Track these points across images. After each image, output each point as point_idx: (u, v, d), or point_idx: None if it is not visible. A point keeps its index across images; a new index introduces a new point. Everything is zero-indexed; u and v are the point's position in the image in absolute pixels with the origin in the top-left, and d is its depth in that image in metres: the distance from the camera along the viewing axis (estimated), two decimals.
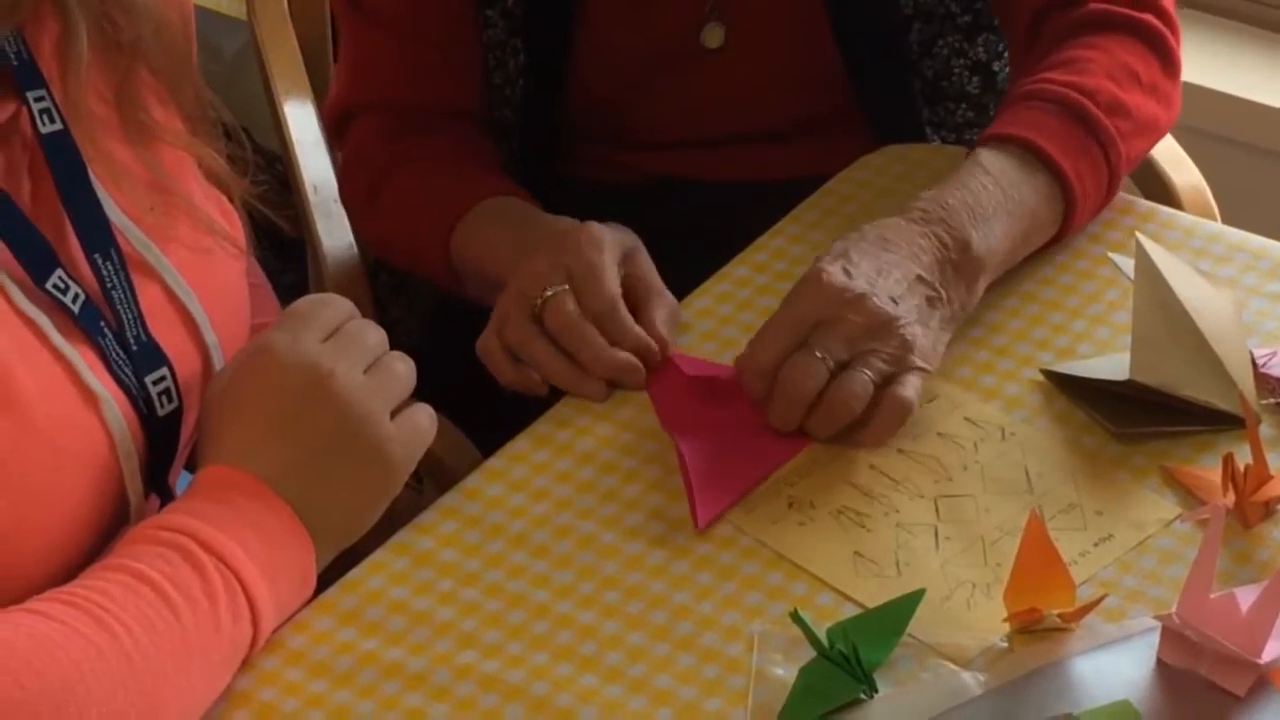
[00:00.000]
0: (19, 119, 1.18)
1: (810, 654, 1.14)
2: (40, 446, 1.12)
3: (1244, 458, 1.25)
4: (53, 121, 1.18)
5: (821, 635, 1.15)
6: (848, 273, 1.33)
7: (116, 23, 1.19)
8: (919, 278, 1.35)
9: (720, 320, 1.43)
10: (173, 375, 1.22)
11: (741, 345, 1.37)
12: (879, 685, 1.14)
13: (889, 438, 1.31)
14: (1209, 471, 1.28)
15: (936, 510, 1.27)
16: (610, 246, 1.43)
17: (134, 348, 1.20)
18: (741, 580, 1.22)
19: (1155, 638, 1.16)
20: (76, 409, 1.15)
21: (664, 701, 1.15)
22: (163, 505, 1.23)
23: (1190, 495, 1.27)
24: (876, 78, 1.68)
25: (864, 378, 1.30)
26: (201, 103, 1.27)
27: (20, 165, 1.18)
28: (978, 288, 1.40)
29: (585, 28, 1.65)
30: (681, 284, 1.47)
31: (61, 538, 1.15)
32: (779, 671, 1.16)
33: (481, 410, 1.45)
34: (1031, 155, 1.44)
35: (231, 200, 1.31)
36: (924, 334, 1.33)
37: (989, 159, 1.44)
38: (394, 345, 1.37)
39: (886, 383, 1.31)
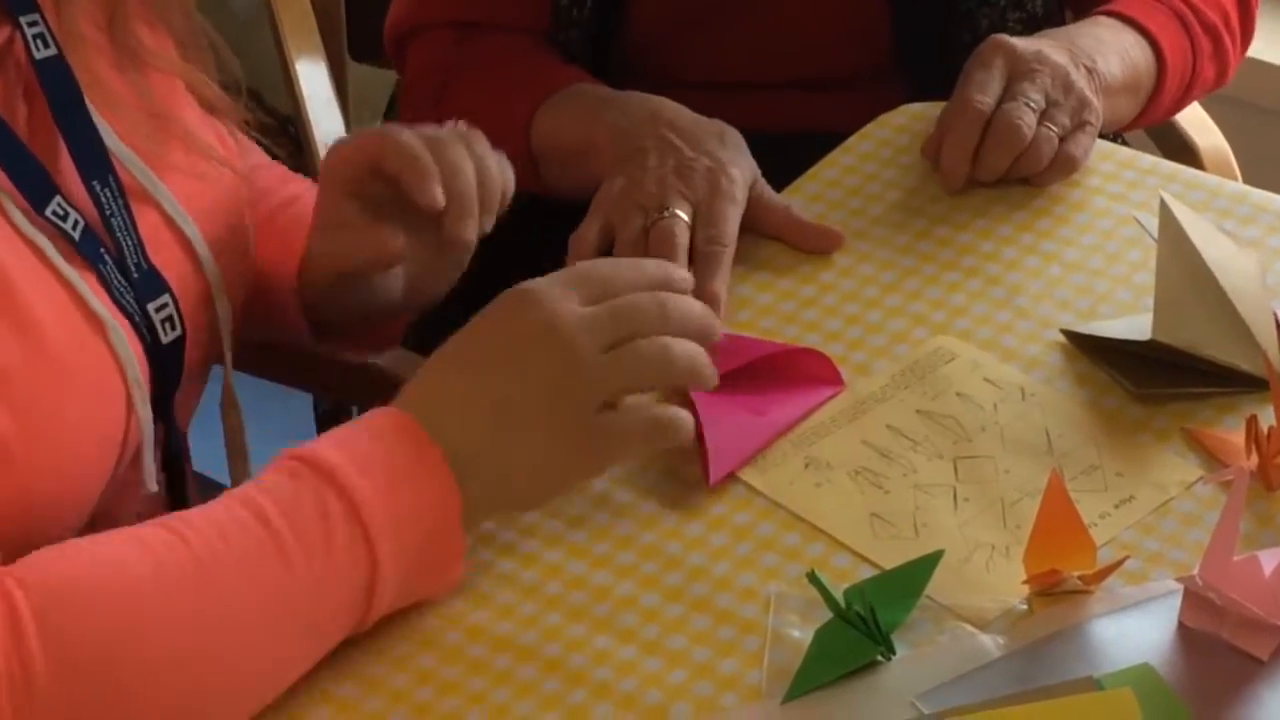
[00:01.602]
0: (13, 44, 1.16)
1: (827, 616, 1.13)
2: (50, 366, 1.11)
3: (1268, 420, 1.23)
4: (47, 47, 1.17)
5: (838, 597, 1.13)
6: (1022, 39, 1.46)
7: None
8: (1070, 62, 1.47)
9: (736, 279, 1.42)
10: (175, 302, 1.21)
11: (758, 300, 1.36)
12: (896, 647, 1.13)
13: (1048, 185, 1.44)
14: (1232, 434, 1.26)
15: (955, 471, 1.25)
16: (741, 184, 1.43)
17: (135, 275, 1.19)
18: (757, 541, 1.21)
19: (1177, 601, 1.15)
20: (84, 332, 1.14)
21: (678, 663, 1.13)
22: (167, 434, 1.21)
23: (1213, 458, 1.26)
24: (926, 27, 1.68)
25: (1050, 130, 1.42)
26: (193, 28, 1.25)
27: (15, 91, 1.17)
28: (1100, 99, 1.48)
29: None
30: None
31: (73, 458, 1.13)
32: (795, 633, 1.14)
33: None
34: (1139, 29, 1.55)
35: (233, 133, 1.30)
36: (1093, 94, 1.46)
37: (1102, 19, 1.56)
38: None
39: (1065, 137, 1.43)
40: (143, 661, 1.03)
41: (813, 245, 1.43)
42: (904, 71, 1.69)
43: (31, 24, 1.16)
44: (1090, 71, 1.49)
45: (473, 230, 1.26)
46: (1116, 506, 1.22)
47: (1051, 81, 1.44)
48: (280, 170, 1.44)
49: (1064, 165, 1.44)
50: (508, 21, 1.67)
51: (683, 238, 1.38)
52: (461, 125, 1.31)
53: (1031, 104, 1.42)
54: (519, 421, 1.14)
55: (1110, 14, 1.58)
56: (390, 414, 1.14)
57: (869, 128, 1.56)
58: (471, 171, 1.27)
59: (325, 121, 1.86)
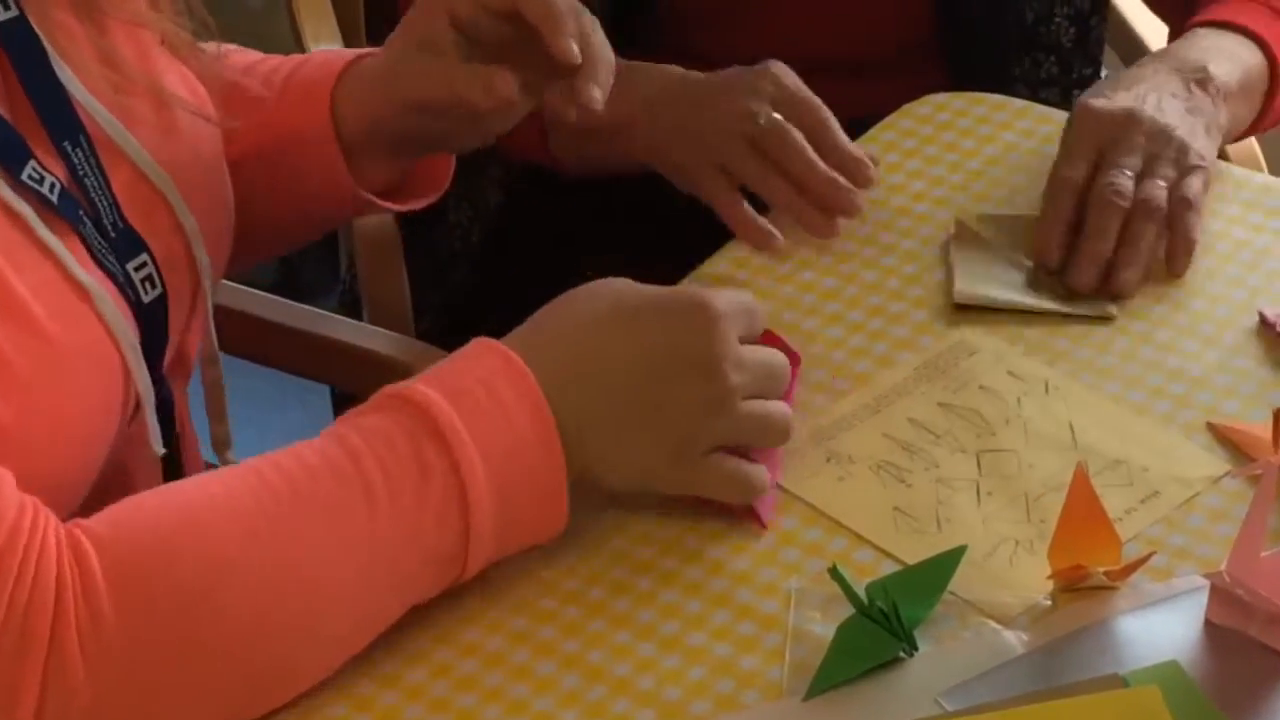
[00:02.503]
0: None
1: (848, 611, 1.12)
2: (41, 345, 1.10)
3: None
4: (7, 9, 1.15)
5: (860, 592, 1.12)
6: (1109, 97, 1.42)
7: None
8: (1172, 94, 1.43)
9: (755, 270, 1.40)
10: (153, 260, 1.19)
11: (780, 291, 1.35)
12: (919, 643, 1.11)
13: (1194, 238, 1.37)
14: (1258, 427, 1.24)
15: (978, 465, 1.24)
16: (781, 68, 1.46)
17: (112, 234, 1.17)
18: (779, 536, 1.19)
19: (1203, 597, 1.13)
20: (71, 303, 1.13)
21: (698, 659, 1.12)
22: (158, 396, 1.20)
23: (1239, 452, 1.24)
24: (969, 15, 1.66)
25: (1159, 185, 1.38)
26: None
27: None
28: (1222, 107, 1.45)
29: None
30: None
31: (73, 433, 1.12)
32: (817, 629, 1.13)
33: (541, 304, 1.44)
34: (1240, 32, 1.52)
35: (199, 74, 1.28)
36: (1193, 136, 1.41)
37: (1200, 31, 1.52)
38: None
39: (1173, 186, 1.38)
40: (219, 615, 1.03)
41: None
42: (943, 57, 1.68)
43: None
44: (1203, 83, 1.46)
45: (601, 99, 1.25)
46: (1142, 501, 1.21)
47: (1147, 139, 1.40)
48: (283, 58, 1.42)
49: (1185, 206, 1.38)
50: None
51: (794, 135, 1.41)
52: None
53: (1127, 170, 1.38)
54: (642, 423, 1.14)
55: (1205, 24, 1.54)
56: (512, 369, 1.12)
57: (892, 117, 1.55)
58: (602, 40, 1.27)
59: None
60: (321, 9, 1.96)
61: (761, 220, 1.40)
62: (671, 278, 1.34)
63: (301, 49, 1.95)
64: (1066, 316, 1.35)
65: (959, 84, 1.61)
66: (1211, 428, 1.26)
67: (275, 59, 1.40)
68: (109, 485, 1.17)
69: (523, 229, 1.68)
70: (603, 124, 1.48)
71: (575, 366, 1.14)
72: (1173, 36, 1.67)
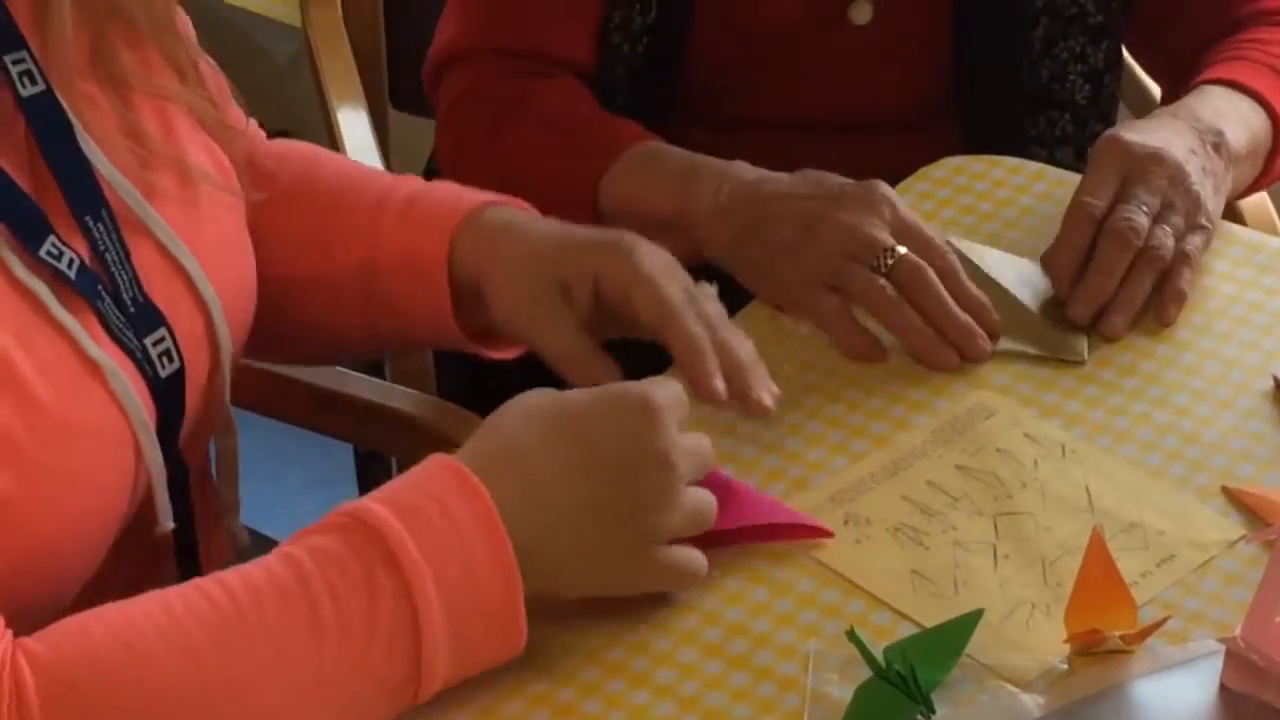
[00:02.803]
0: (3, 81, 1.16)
1: (866, 673, 1.12)
2: (49, 425, 1.10)
3: None
4: (34, 83, 1.16)
5: (878, 655, 1.13)
6: (1140, 134, 1.44)
7: None
8: (1190, 149, 1.45)
9: (775, 333, 1.42)
10: (171, 335, 1.20)
11: (801, 354, 1.37)
12: (936, 706, 1.12)
13: (1185, 290, 1.40)
14: (1273, 492, 1.26)
15: (995, 528, 1.25)
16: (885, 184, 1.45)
17: (131, 309, 1.18)
18: (797, 598, 1.20)
19: (1219, 661, 1.14)
20: (82, 380, 1.13)
21: None
22: (173, 473, 1.20)
23: (1255, 516, 1.25)
24: (986, 72, 1.68)
25: (1167, 232, 1.40)
26: (188, 51, 1.24)
27: (5, 131, 1.16)
28: (1229, 174, 1.48)
29: None
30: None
31: (80, 509, 1.12)
32: (835, 691, 1.14)
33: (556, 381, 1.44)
34: (1250, 95, 1.55)
35: (225, 148, 1.29)
36: (1206, 195, 1.43)
37: (1212, 89, 1.55)
38: None
39: (1178, 239, 1.41)
40: None
41: None
42: (959, 116, 1.70)
43: (17, 61, 1.15)
44: (1218, 147, 1.48)
45: (770, 401, 1.27)
46: (1158, 565, 1.22)
47: (1169, 183, 1.42)
48: (386, 176, 1.42)
49: (1181, 262, 1.41)
50: (554, 53, 1.67)
51: (930, 273, 1.38)
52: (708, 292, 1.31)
53: (1145, 207, 1.40)
54: (598, 530, 1.13)
55: (1216, 82, 1.56)
56: (466, 487, 1.10)
57: (910, 180, 1.56)
58: (742, 339, 1.28)
59: None
60: (346, 71, 1.98)
61: (874, 336, 1.39)
62: None
63: (325, 108, 1.97)
64: (1048, 362, 1.37)
65: (973, 142, 1.63)
66: (1227, 492, 1.27)
67: (378, 184, 1.41)
68: (122, 557, 1.18)
69: None
70: (669, 220, 1.50)
71: (528, 482, 1.12)
72: (1166, 97, 1.69)
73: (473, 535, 1.09)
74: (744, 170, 1.50)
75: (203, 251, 1.23)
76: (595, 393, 1.16)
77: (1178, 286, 1.40)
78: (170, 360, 1.19)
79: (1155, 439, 1.31)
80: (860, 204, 1.41)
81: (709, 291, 1.31)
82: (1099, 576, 1.14)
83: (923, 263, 1.38)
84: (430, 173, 1.88)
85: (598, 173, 1.56)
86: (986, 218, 1.52)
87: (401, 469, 1.69)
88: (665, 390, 1.16)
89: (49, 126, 1.16)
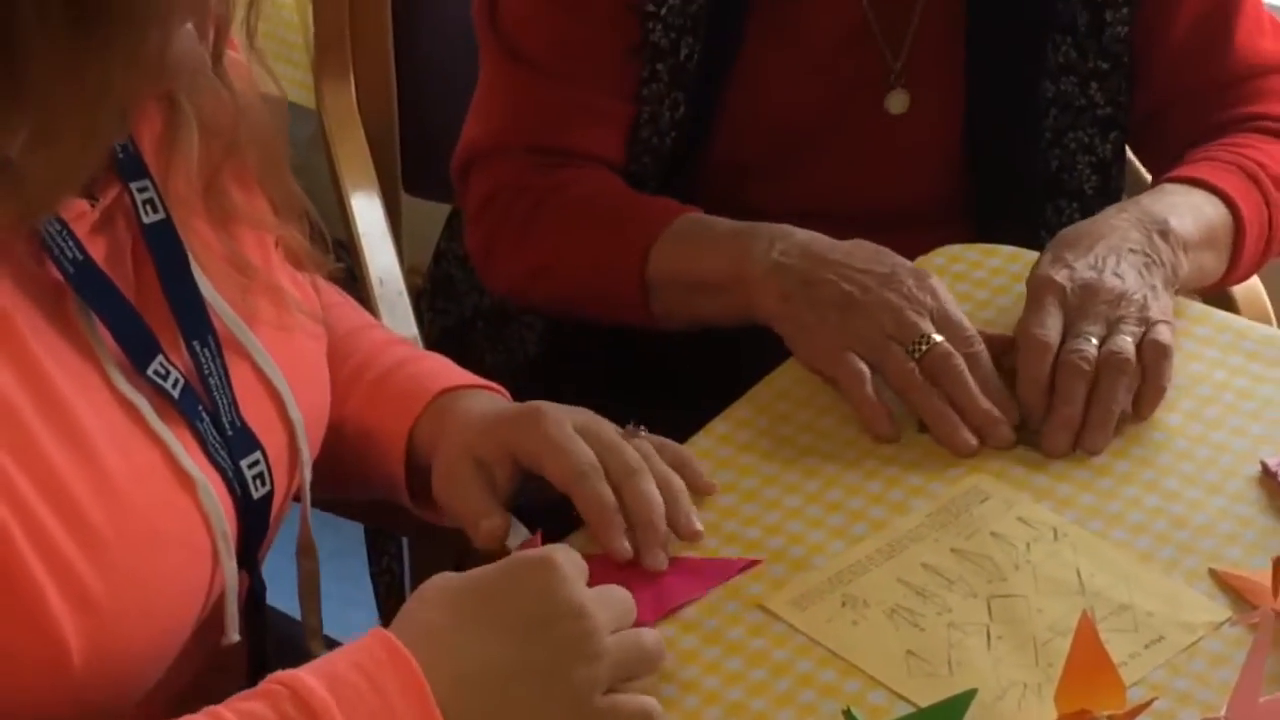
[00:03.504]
0: (120, 204, 1.20)
1: None
2: (140, 530, 1.14)
3: None
4: (155, 212, 1.21)
5: None
6: (1071, 268, 1.47)
7: (216, 115, 1.22)
8: (1130, 250, 1.49)
9: (776, 417, 1.45)
10: (265, 458, 1.24)
11: (799, 440, 1.40)
12: None
13: (1164, 385, 1.43)
14: (1260, 574, 1.29)
15: (989, 610, 1.28)
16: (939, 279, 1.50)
17: (229, 432, 1.22)
18: (795, 677, 1.24)
19: None
20: (173, 492, 1.17)
21: None
22: (252, 583, 1.25)
23: (1241, 598, 1.28)
24: (999, 165, 1.72)
25: (1125, 339, 1.44)
26: (288, 192, 1.29)
27: (124, 251, 1.21)
28: (1182, 258, 1.51)
29: (748, 88, 1.68)
30: (763, 362, 1.50)
31: (163, 618, 1.16)
32: None
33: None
34: (1207, 189, 1.59)
35: (313, 281, 1.34)
36: (1152, 294, 1.47)
37: (1169, 186, 1.60)
38: None
39: (1141, 338, 1.44)
40: None
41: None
42: (971, 212, 1.74)
43: (141, 189, 1.20)
44: (1164, 234, 1.52)
45: (663, 560, 1.30)
46: (1146, 646, 1.25)
47: (1108, 306, 1.46)
48: (382, 333, 1.47)
49: (1157, 353, 1.44)
50: (585, 149, 1.70)
51: (960, 362, 1.44)
52: (643, 436, 1.36)
53: (1091, 337, 1.44)
54: (528, 694, 1.14)
55: (1177, 180, 1.61)
56: (397, 662, 1.12)
57: None
58: (655, 494, 1.31)
59: (379, 256, 1.90)
60: (359, 156, 2.02)
61: (889, 410, 1.43)
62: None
63: (338, 192, 2.01)
64: (1079, 462, 1.41)
65: (986, 233, 1.67)
66: (1214, 575, 1.30)
67: (371, 340, 1.45)
68: (191, 664, 1.22)
69: (559, 381, 1.73)
70: (723, 282, 1.54)
71: (452, 660, 1.13)
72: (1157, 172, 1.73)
73: (402, 708, 1.11)
74: (795, 230, 1.55)
75: (291, 374, 1.28)
76: (499, 564, 1.18)
77: (1157, 382, 1.43)
78: (263, 483, 1.24)
79: (1145, 522, 1.35)
80: (908, 288, 1.47)
81: (637, 433, 1.36)
82: (1088, 658, 1.17)
83: (954, 351, 1.44)
84: (440, 256, 1.92)
85: (646, 244, 1.60)
86: (983, 305, 1.56)
87: (412, 548, 1.74)
88: (564, 552, 1.19)
89: (167, 254, 1.21)
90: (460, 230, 1.86)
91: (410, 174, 2.12)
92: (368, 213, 1.96)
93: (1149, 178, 1.89)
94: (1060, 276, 1.48)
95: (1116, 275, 1.48)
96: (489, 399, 1.40)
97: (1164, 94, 1.72)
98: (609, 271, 1.61)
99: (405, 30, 2.07)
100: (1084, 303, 1.46)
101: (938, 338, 1.44)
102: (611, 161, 1.70)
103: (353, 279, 1.90)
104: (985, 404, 1.42)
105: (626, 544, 1.29)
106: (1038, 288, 1.48)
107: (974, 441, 1.41)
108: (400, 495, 1.39)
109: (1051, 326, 1.45)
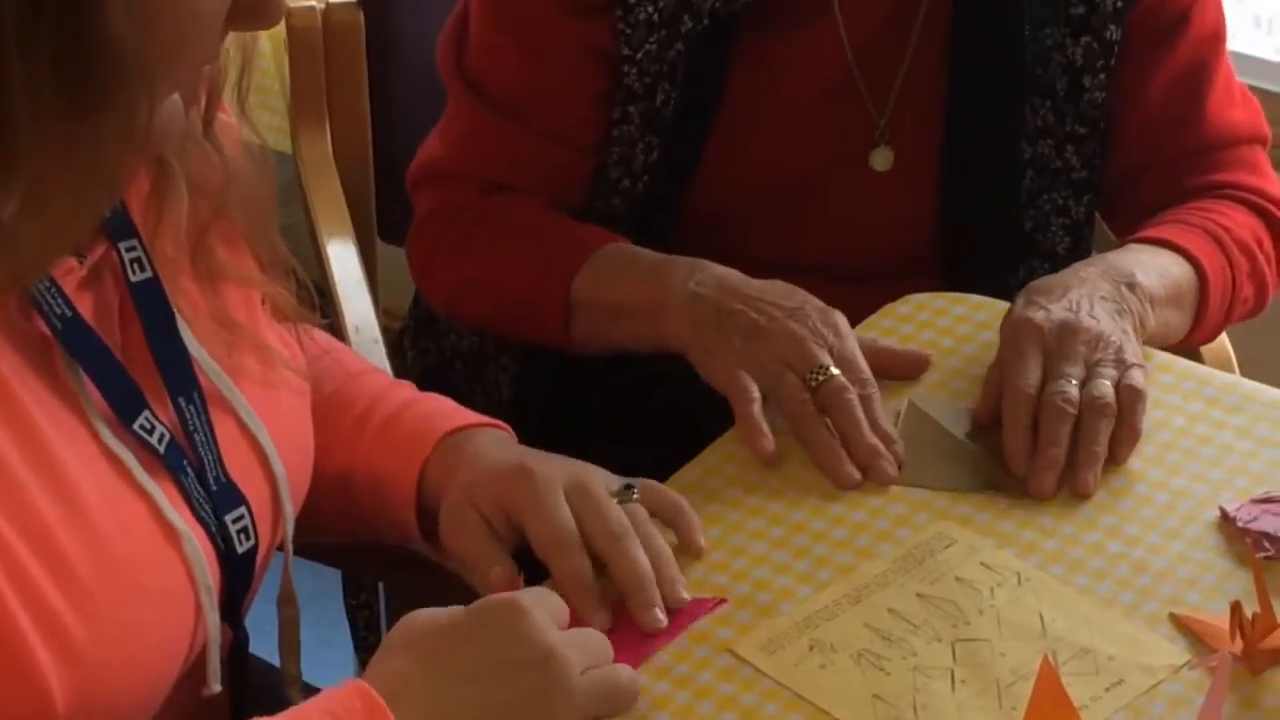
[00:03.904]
0: (108, 261, 1.22)
1: None
2: (125, 581, 1.16)
3: (1252, 605, 1.29)
4: (143, 270, 1.23)
5: None
6: (1047, 310, 1.51)
7: (205, 177, 1.24)
8: (1101, 297, 1.53)
9: (744, 464, 1.48)
10: (250, 513, 1.26)
11: (766, 483, 1.43)
12: None
13: (1140, 429, 1.46)
14: (1218, 618, 1.31)
15: (953, 654, 1.31)
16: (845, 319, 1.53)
17: (214, 488, 1.24)
18: None
19: None
20: (158, 544, 1.19)
21: None
22: (235, 635, 1.27)
23: (1200, 642, 1.31)
24: (970, 225, 1.75)
25: (1105, 384, 1.47)
26: (275, 247, 1.31)
27: (111, 307, 1.23)
28: (1149, 310, 1.55)
29: (729, 139, 1.71)
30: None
31: (147, 669, 1.18)
32: None
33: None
34: (1173, 249, 1.63)
35: (301, 332, 1.37)
36: (1125, 338, 1.51)
37: (1136, 245, 1.64)
38: None
39: (1117, 381, 1.47)
40: None
41: (905, 369, 1.54)
42: (943, 266, 1.77)
43: (129, 248, 1.22)
44: (1131, 287, 1.56)
45: (661, 619, 1.32)
46: (1107, 689, 1.28)
47: (1086, 347, 1.49)
48: (383, 377, 1.49)
49: (1133, 398, 1.47)
50: (540, 189, 1.73)
51: (853, 396, 1.47)
52: (636, 497, 1.38)
53: (1073, 378, 1.47)
54: None
55: (1144, 240, 1.65)
56: (372, 711, 1.13)
57: (874, 317, 1.63)
58: (641, 558, 1.33)
59: (355, 303, 1.92)
60: (336, 206, 2.04)
61: (766, 431, 1.46)
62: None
63: (314, 240, 2.03)
64: (1043, 509, 1.43)
65: (956, 287, 1.69)
66: (1174, 619, 1.33)
67: (374, 384, 1.47)
68: (174, 713, 1.24)
69: (533, 422, 1.74)
70: (640, 309, 1.57)
71: (425, 708, 1.15)
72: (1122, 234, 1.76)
73: None
74: (713, 265, 1.59)
75: (275, 429, 1.30)
76: (470, 608, 1.20)
77: (1132, 426, 1.46)
78: (248, 537, 1.26)
79: (1106, 567, 1.37)
80: (813, 324, 1.51)
81: (630, 495, 1.37)
82: (1050, 701, 1.20)
83: (848, 385, 1.47)
84: (419, 302, 1.94)
85: (571, 268, 1.64)
86: (948, 353, 1.59)
87: (388, 593, 1.75)
88: (534, 595, 1.21)
89: (154, 312, 1.23)
90: None
91: (386, 222, 2.14)
92: (344, 260, 1.98)
93: (1114, 239, 1.92)
94: (1038, 317, 1.51)
95: (1092, 317, 1.51)
96: (496, 438, 1.42)
97: (1137, 159, 1.75)
98: (534, 292, 1.65)
99: (381, 80, 2.10)
100: (1062, 343, 1.49)
101: (835, 371, 1.48)
102: (568, 205, 1.73)
103: (329, 326, 1.92)
104: (871, 439, 1.45)
105: (603, 615, 1.31)
106: (1016, 331, 1.51)
107: (856, 475, 1.45)
108: (412, 538, 1.41)
109: (1032, 373, 1.48)
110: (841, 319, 1.53)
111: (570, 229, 1.69)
